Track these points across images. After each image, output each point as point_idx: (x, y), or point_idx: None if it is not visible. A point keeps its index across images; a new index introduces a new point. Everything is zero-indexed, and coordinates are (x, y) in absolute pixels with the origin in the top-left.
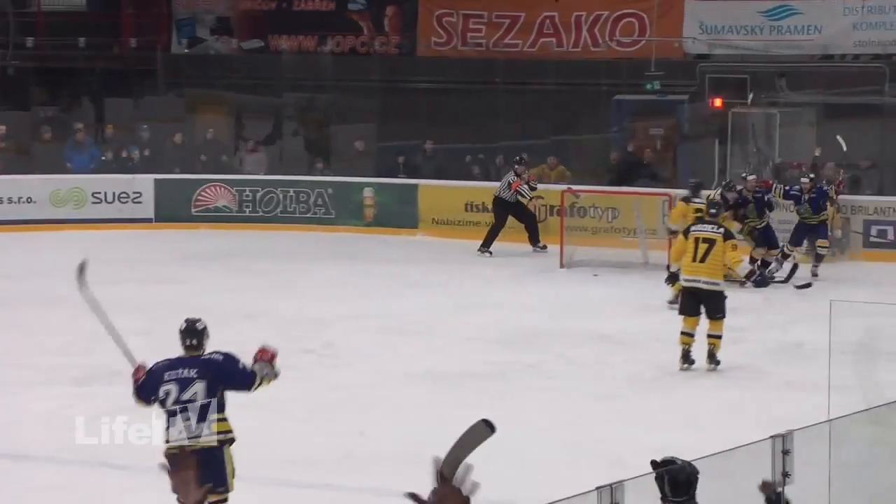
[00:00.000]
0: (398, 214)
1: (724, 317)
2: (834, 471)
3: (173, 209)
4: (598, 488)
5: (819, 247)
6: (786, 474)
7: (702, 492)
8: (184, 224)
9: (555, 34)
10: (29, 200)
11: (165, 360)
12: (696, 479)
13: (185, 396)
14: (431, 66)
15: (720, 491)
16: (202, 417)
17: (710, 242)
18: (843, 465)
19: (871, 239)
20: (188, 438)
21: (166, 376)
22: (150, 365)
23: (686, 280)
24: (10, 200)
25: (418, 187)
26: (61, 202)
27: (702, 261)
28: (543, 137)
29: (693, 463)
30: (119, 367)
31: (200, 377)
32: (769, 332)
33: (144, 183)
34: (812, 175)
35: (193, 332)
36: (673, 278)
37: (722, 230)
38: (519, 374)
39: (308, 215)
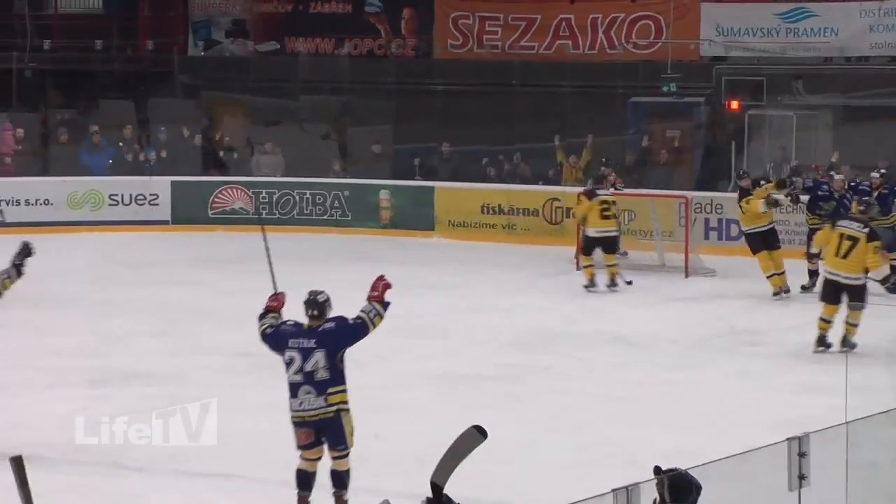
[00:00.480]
0: (414, 217)
1: (863, 307)
2: (850, 473)
3: (190, 211)
4: (613, 490)
5: None
6: (802, 476)
7: (717, 494)
8: (200, 226)
9: (571, 36)
10: (46, 203)
11: (293, 324)
12: (698, 490)
13: (308, 367)
14: (447, 69)
15: (736, 493)
16: (321, 391)
17: (854, 241)
18: (860, 467)
19: None
20: (308, 411)
21: (291, 343)
22: (284, 306)
23: (828, 273)
24: (27, 202)
25: (434, 189)
26: (78, 204)
27: (844, 257)
28: (555, 140)
29: (709, 464)
30: (134, 369)
31: (319, 346)
32: (787, 334)
33: (161, 185)
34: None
35: (315, 304)
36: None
37: (867, 230)
38: (533, 377)
39: (324, 217)
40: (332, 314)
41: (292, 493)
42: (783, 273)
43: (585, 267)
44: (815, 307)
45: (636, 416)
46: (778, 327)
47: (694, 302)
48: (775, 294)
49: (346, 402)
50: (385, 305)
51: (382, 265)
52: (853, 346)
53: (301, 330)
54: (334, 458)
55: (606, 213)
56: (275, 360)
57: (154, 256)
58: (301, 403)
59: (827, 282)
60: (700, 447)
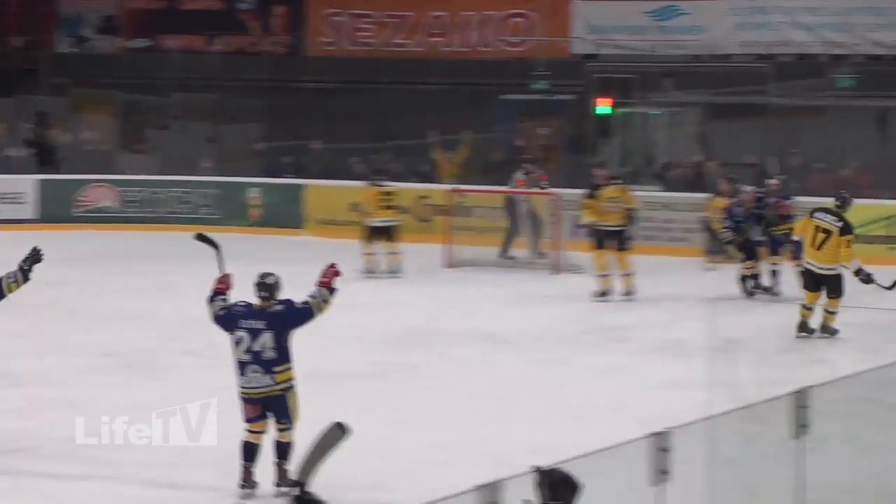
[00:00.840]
0: (284, 215)
1: (839, 296)
2: (712, 468)
3: (56, 210)
4: (477, 487)
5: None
6: (663, 472)
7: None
8: (67, 225)
9: (443, 34)
10: None
11: (244, 305)
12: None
13: (256, 347)
14: (319, 66)
15: (600, 489)
16: (268, 370)
17: (828, 233)
18: (721, 463)
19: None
20: (256, 388)
21: (241, 323)
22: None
23: (806, 262)
24: None
25: (305, 188)
26: None
27: (818, 248)
28: (430, 137)
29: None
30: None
31: (268, 328)
32: (653, 330)
33: (27, 183)
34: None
35: (264, 286)
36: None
37: (841, 223)
38: (402, 375)
39: (193, 216)
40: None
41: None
42: (630, 275)
43: (366, 255)
44: (681, 305)
45: (504, 414)
46: (644, 323)
47: (562, 298)
48: (600, 294)
49: (291, 380)
50: (332, 292)
51: (252, 263)
52: (834, 332)
53: (251, 311)
54: (279, 431)
55: (386, 204)
56: (143, 359)
57: (19, 255)
58: (249, 381)
59: (806, 271)
60: (567, 443)
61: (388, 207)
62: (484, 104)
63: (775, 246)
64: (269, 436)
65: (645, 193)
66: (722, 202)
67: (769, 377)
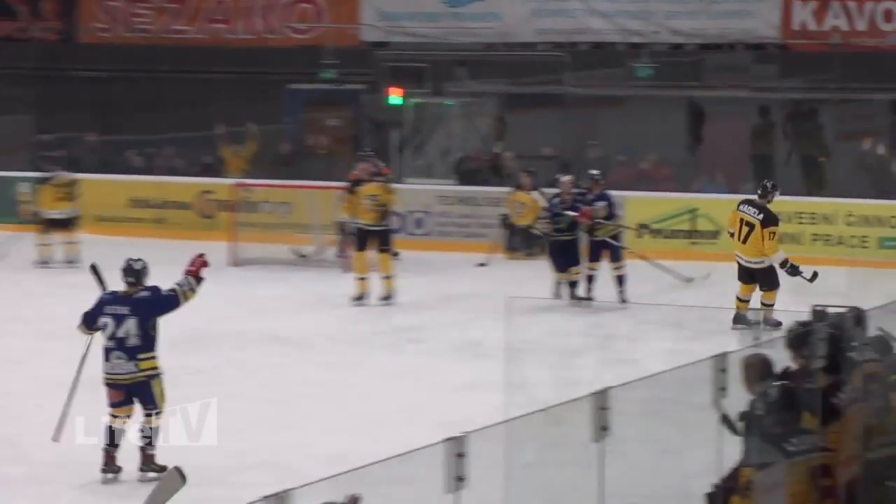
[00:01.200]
0: None
1: (773, 288)
2: (510, 474)
3: None
4: (265, 498)
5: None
6: (460, 478)
7: (377, 499)
8: None
9: (226, 20)
10: None
11: (111, 292)
12: None
13: (120, 333)
14: (94, 54)
15: (396, 497)
16: (132, 357)
17: (751, 226)
18: (520, 468)
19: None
20: (120, 374)
21: (106, 309)
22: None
23: (735, 255)
24: None
25: (79, 182)
26: None
27: (744, 241)
28: (214, 128)
29: (366, 468)
30: None
31: (132, 314)
32: (448, 330)
33: None
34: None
35: (131, 271)
36: None
37: (762, 216)
38: (186, 380)
39: None
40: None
41: None
42: (390, 277)
43: (40, 246)
44: (479, 304)
45: (294, 420)
46: (440, 323)
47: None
48: (356, 299)
49: (156, 368)
50: (199, 281)
51: (20, 264)
52: (777, 323)
53: (116, 297)
54: (146, 416)
55: (62, 196)
56: None
57: None
58: (113, 367)
59: (739, 265)
60: (361, 450)
61: (64, 199)
62: (271, 94)
63: (596, 250)
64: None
65: (440, 187)
66: (523, 196)
67: (570, 378)
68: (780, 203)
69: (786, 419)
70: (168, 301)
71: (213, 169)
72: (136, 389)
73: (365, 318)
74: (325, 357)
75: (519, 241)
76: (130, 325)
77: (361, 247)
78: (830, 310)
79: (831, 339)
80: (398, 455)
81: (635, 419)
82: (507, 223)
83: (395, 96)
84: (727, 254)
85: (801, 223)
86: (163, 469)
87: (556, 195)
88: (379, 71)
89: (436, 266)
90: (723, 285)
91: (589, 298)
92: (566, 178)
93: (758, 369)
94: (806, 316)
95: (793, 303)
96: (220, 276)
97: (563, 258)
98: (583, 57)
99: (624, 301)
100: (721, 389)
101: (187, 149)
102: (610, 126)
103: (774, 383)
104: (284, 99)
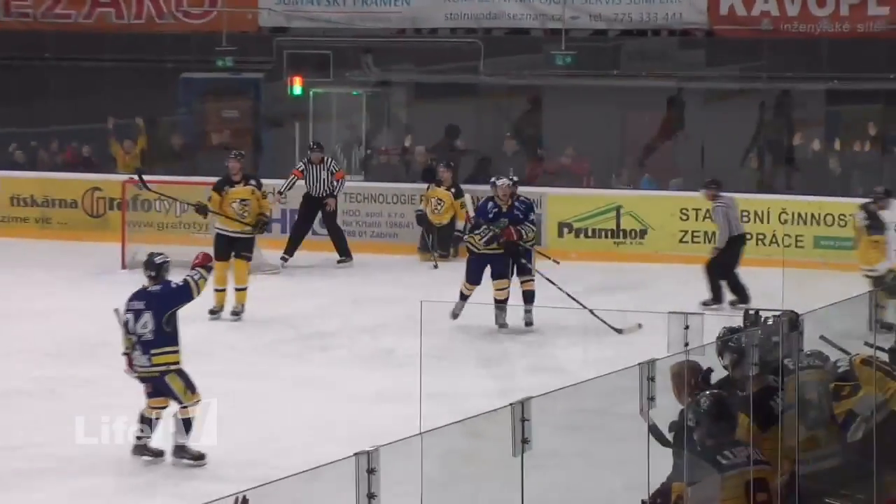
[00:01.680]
0: None
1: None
2: (425, 490)
3: None
4: None
5: None
6: (371, 495)
7: None
8: None
9: (113, 4)
10: None
11: (138, 289)
12: None
13: (139, 329)
14: None
15: None
16: (145, 351)
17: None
18: (436, 484)
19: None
20: (140, 368)
21: (129, 305)
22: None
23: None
24: None
25: None
26: None
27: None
28: (103, 120)
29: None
30: None
31: (147, 308)
32: (359, 337)
33: None
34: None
35: (151, 265)
36: None
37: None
38: (74, 391)
39: None
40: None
41: None
42: (243, 290)
43: None
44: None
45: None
46: (349, 329)
47: (256, 303)
48: (212, 312)
49: (173, 364)
50: (208, 269)
51: None
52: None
53: (137, 292)
54: (181, 408)
55: None
56: None
57: None
58: (137, 360)
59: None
60: (266, 465)
61: None
62: (164, 84)
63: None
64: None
65: (346, 184)
66: (440, 192)
67: (489, 387)
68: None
69: (719, 430)
70: (180, 292)
71: (102, 164)
72: (155, 384)
73: (268, 325)
74: (226, 366)
75: (436, 241)
76: (147, 320)
77: (220, 254)
78: (763, 314)
79: (763, 345)
80: (305, 471)
81: (559, 431)
82: (423, 221)
83: (296, 86)
84: (654, 253)
85: None
86: (200, 457)
87: (489, 199)
88: (279, 58)
89: (344, 268)
90: (654, 288)
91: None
92: (502, 182)
93: (688, 377)
94: (738, 320)
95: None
96: (111, 281)
97: (480, 272)
98: (497, 43)
99: (529, 324)
100: (650, 399)
101: (74, 142)
102: (527, 117)
103: (706, 392)
104: (178, 89)
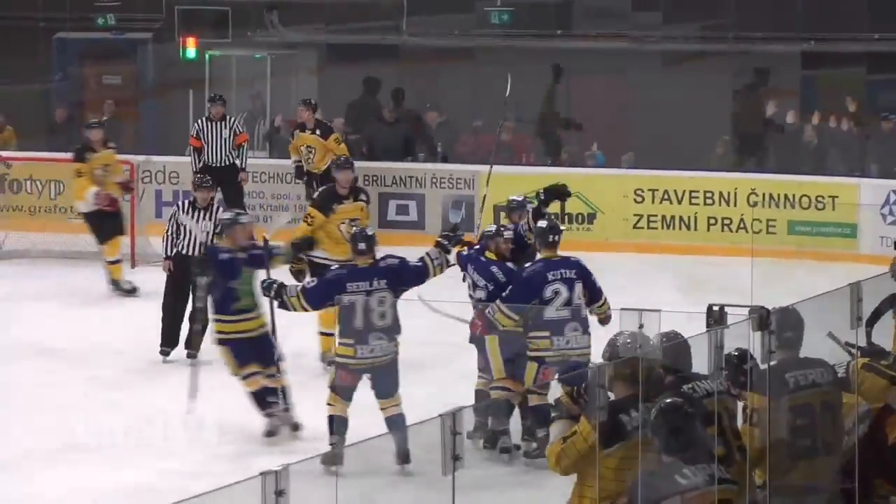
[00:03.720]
0: None
1: None
2: None
3: None
4: None
5: None
6: None
7: None
8: None
9: None
10: None
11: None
12: None
13: (574, 298)
14: None
15: None
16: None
17: None
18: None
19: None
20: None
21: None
22: None
23: None
24: None
25: None
26: None
27: None
28: None
29: None
30: None
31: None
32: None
33: None
34: None
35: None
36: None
37: None
38: None
39: None
40: None
41: None
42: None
43: None
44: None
45: (81, 453)
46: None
47: (144, 299)
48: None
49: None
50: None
51: None
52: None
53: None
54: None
55: None
56: None
57: None
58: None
59: None
60: (164, 486)
61: None
62: (36, 46)
63: None
64: None
65: (249, 161)
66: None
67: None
68: (667, 179)
69: (677, 446)
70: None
71: None
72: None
73: (156, 323)
74: (110, 373)
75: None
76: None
77: (98, 231)
78: (729, 309)
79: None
80: (208, 492)
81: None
82: (303, 175)
83: (189, 48)
84: (604, 241)
85: (694, 204)
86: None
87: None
88: (169, 16)
89: None
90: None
91: None
92: (505, 236)
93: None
94: (701, 316)
95: (685, 301)
96: None
97: None
98: (423, 0)
99: None
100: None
101: None
102: (456, 84)
103: (663, 403)
104: (53, 51)
